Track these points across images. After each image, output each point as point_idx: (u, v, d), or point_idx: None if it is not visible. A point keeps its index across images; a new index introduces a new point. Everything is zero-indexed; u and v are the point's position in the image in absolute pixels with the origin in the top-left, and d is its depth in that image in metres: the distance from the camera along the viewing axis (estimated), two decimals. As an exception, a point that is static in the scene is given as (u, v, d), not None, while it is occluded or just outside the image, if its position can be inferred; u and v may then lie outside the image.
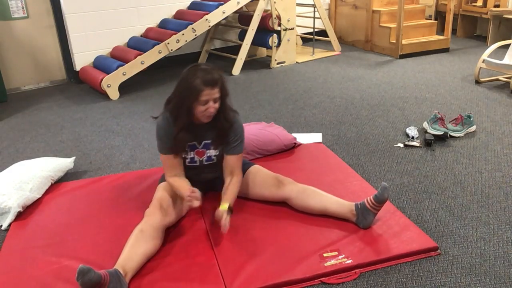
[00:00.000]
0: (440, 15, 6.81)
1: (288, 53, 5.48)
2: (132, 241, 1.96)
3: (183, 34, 4.73)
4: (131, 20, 5.16)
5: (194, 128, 2.22)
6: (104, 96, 4.53)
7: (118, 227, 2.28)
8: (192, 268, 1.96)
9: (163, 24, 5.21)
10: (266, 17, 5.22)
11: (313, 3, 5.65)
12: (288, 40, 5.41)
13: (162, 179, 2.38)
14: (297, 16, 5.60)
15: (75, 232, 2.27)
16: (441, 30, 6.26)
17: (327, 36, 5.99)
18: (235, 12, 5.28)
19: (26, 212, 2.45)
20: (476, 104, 3.91)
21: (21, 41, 4.88)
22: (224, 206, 2.12)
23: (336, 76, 4.93)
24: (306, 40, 6.43)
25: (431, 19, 6.54)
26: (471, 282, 1.87)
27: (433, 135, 3.17)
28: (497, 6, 6.01)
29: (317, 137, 3.30)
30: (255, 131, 3.01)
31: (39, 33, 4.96)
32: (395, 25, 5.53)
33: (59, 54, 5.14)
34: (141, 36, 5.18)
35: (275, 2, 5.15)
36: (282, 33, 5.32)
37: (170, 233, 2.18)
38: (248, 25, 5.17)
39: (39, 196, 2.57)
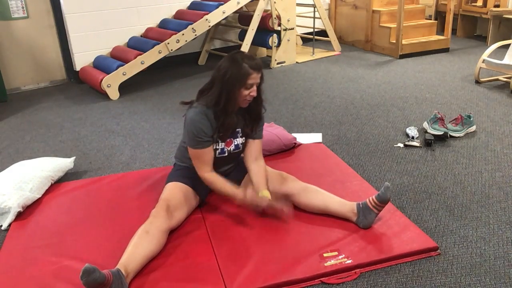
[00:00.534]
0: (440, 15, 6.81)
1: (288, 53, 5.48)
2: (136, 241, 1.95)
3: (183, 34, 4.73)
4: (131, 20, 5.16)
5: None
6: (104, 96, 4.53)
7: (118, 227, 2.28)
8: (192, 268, 1.96)
9: (163, 24, 5.21)
10: (266, 17, 5.22)
11: (313, 3, 5.65)
12: (288, 40, 5.41)
13: (170, 177, 2.37)
14: (297, 16, 5.60)
15: (75, 232, 2.27)
16: (441, 30, 6.26)
17: (327, 36, 5.99)
18: (235, 12, 5.28)
19: (26, 212, 2.45)
20: (476, 104, 3.91)
21: (21, 41, 4.88)
22: (266, 194, 2.19)
23: (336, 76, 4.93)
24: (306, 40, 6.43)
25: (431, 19, 6.54)
26: (471, 282, 1.87)
27: (433, 135, 3.17)
28: (497, 6, 6.02)
29: (317, 137, 3.30)
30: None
31: (39, 33, 4.96)
32: (395, 25, 5.53)
33: (59, 54, 5.14)
34: (141, 36, 5.18)
35: (275, 2, 5.15)
36: (282, 33, 5.32)
37: (170, 234, 2.17)
38: (248, 25, 5.17)
39: (39, 196, 2.57)
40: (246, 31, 5.21)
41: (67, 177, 2.87)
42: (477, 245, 2.09)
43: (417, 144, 3.13)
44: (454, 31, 6.31)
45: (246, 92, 2.14)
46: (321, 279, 1.89)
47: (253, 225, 2.24)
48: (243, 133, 2.33)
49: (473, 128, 3.35)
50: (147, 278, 1.91)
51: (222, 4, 4.98)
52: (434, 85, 4.50)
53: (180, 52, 5.12)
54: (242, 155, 2.42)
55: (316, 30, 5.95)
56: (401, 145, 3.16)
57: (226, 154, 2.33)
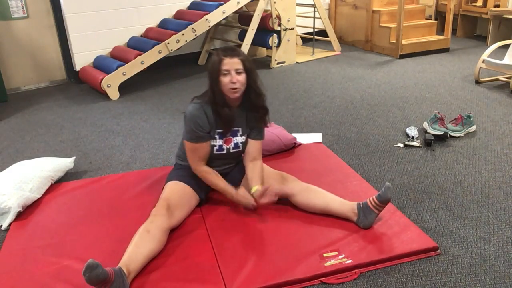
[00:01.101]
0: (440, 15, 6.81)
1: (288, 53, 5.48)
2: (137, 240, 1.96)
3: (183, 34, 4.73)
4: (131, 20, 5.15)
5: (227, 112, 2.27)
6: (104, 96, 4.53)
7: (118, 227, 2.28)
8: (192, 268, 1.96)
9: (163, 24, 5.21)
10: (266, 17, 5.22)
11: (313, 3, 5.65)
12: (288, 40, 5.41)
13: (170, 177, 2.38)
14: (297, 16, 5.60)
15: (75, 232, 2.27)
16: (441, 30, 6.26)
17: (327, 36, 5.99)
18: (235, 12, 5.28)
19: (26, 212, 2.45)
20: (476, 104, 3.91)
21: (21, 41, 4.88)
22: (254, 189, 2.24)
23: (336, 76, 4.93)
24: (306, 40, 6.43)
25: (431, 19, 6.54)
26: (471, 282, 1.87)
27: (433, 135, 3.17)
28: (497, 6, 6.02)
29: (317, 137, 3.30)
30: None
31: (39, 33, 4.96)
32: (395, 25, 5.53)
33: (59, 54, 5.14)
34: (141, 36, 5.18)
35: (275, 2, 5.15)
36: (282, 33, 5.32)
37: (171, 234, 2.17)
38: (248, 25, 5.17)
39: (39, 196, 2.57)
40: (246, 31, 5.21)
41: (67, 177, 2.87)
42: (477, 245, 2.09)
43: (417, 144, 3.13)
44: (454, 31, 6.30)
45: (225, 79, 2.15)
46: (321, 279, 1.89)
47: (253, 225, 2.24)
48: (244, 132, 2.34)
49: (473, 128, 3.35)
50: (147, 278, 1.91)
51: (222, 4, 4.98)
52: (434, 85, 4.50)
53: (180, 52, 5.12)
54: (243, 155, 2.42)
55: (316, 30, 5.95)
56: (401, 145, 3.16)
57: (225, 152, 2.33)
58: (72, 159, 2.93)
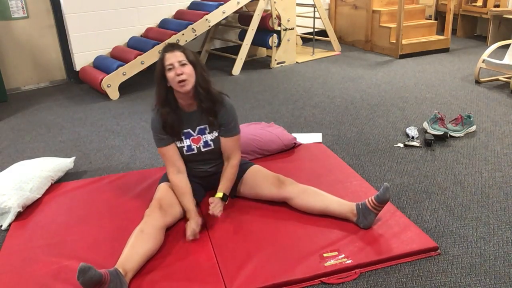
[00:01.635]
0: (440, 15, 6.81)
1: (288, 53, 5.48)
2: (133, 241, 1.96)
3: (183, 34, 4.73)
4: (131, 20, 5.16)
5: (186, 115, 2.27)
6: (104, 96, 4.53)
7: (118, 227, 2.28)
8: (192, 268, 1.96)
9: (163, 24, 5.21)
10: (266, 17, 5.22)
11: (313, 3, 5.65)
12: (288, 40, 5.41)
13: (163, 179, 2.39)
14: (297, 16, 5.60)
15: (75, 232, 2.27)
16: (441, 30, 6.26)
17: (327, 36, 5.99)
18: (235, 12, 5.28)
19: (26, 212, 2.45)
20: (476, 104, 3.91)
21: (21, 41, 4.88)
22: (218, 195, 2.23)
23: (336, 76, 4.93)
24: (306, 40, 6.43)
25: (431, 19, 6.54)
26: (471, 282, 1.87)
27: (433, 135, 3.17)
28: (497, 6, 6.01)
29: (317, 137, 3.30)
30: (255, 131, 3.01)
31: (39, 33, 4.96)
32: (395, 25, 5.53)
33: (59, 54, 5.14)
34: (141, 36, 5.18)
35: (275, 2, 5.15)
36: (282, 33, 5.32)
37: (170, 233, 2.18)
38: (248, 25, 5.17)
39: (39, 196, 2.57)
40: (246, 31, 5.21)
41: (67, 177, 2.87)
42: (477, 245, 2.09)
43: (417, 144, 3.13)
44: (454, 31, 6.30)
45: (170, 74, 2.14)
46: (321, 279, 1.89)
47: (253, 225, 2.24)
48: (212, 129, 2.31)
49: (473, 128, 3.35)
50: (147, 278, 1.91)
51: (222, 4, 4.98)
52: (434, 85, 4.50)
53: (180, 52, 5.11)
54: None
55: (316, 30, 5.95)
56: (401, 145, 3.16)
57: (196, 152, 2.32)
58: (72, 159, 2.94)
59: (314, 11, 5.72)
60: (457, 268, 1.94)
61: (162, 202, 2.18)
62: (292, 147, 3.09)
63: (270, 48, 5.36)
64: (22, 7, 4.78)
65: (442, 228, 2.22)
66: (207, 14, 4.88)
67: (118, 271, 1.80)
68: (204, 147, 2.32)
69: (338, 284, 1.88)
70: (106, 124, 3.84)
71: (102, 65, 4.74)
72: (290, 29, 5.37)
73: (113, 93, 4.50)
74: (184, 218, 2.29)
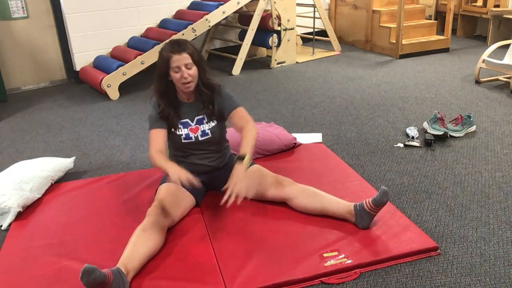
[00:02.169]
0: (440, 15, 6.81)
1: (288, 53, 5.48)
2: (134, 240, 1.96)
3: (183, 34, 4.73)
4: (131, 20, 5.16)
5: (184, 106, 2.30)
6: (104, 96, 4.53)
7: (118, 227, 2.28)
8: (192, 268, 1.96)
9: (163, 24, 5.21)
10: (266, 17, 5.22)
11: (313, 3, 5.65)
12: (288, 40, 5.41)
13: (164, 179, 2.39)
14: (297, 16, 5.60)
15: (75, 232, 2.27)
16: (441, 30, 6.26)
17: (327, 36, 5.99)
18: (235, 12, 5.28)
19: (26, 212, 2.45)
20: (476, 104, 3.91)
21: (21, 41, 4.88)
22: (241, 160, 2.14)
23: (336, 76, 4.93)
24: (306, 40, 6.43)
25: (431, 19, 6.54)
26: (471, 282, 1.87)
27: (433, 135, 3.17)
28: (497, 6, 6.01)
29: (317, 137, 3.30)
30: (255, 131, 3.00)
31: (39, 33, 4.96)
32: (395, 25, 5.53)
33: (59, 54, 5.14)
34: (141, 36, 5.18)
35: (275, 2, 5.15)
36: (282, 33, 5.32)
37: (170, 233, 2.18)
38: (248, 25, 5.17)
39: (39, 196, 2.57)
40: (246, 31, 5.21)
41: (67, 177, 2.87)
42: (477, 245, 2.09)
43: (417, 144, 3.13)
44: (454, 31, 6.30)
45: (176, 75, 2.17)
46: (321, 279, 1.89)
47: (253, 225, 2.24)
48: (210, 119, 2.34)
49: (473, 128, 3.35)
50: (147, 278, 1.91)
51: (222, 4, 4.98)
52: (434, 85, 4.50)
53: (180, 52, 5.11)
54: (227, 144, 2.49)
55: (316, 30, 5.95)
56: (401, 145, 3.16)
57: (194, 140, 2.33)
58: (72, 159, 2.94)
59: (314, 11, 5.72)
60: (457, 268, 1.94)
61: (164, 202, 2.19)
62: (292, 147, 3.09)
63: (270, 48, 5.36)
64: (22, 7, 4.78)
65: (442, 228, 2.22)
66: (207, 14, 4.88)
67: (120, 270, 1.81)
68: (202, 136, 2.34)
69: (338, 284, 1.88)
70: (106, 124, 3.84)
71: (102, 65, 4.74)
72: (290, 29, 5.37)
73: (113, 93, 4.50)
74: (185, 218, 2.29)
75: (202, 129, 2.33)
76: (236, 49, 5.28)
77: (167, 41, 2.29)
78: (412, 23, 5.86)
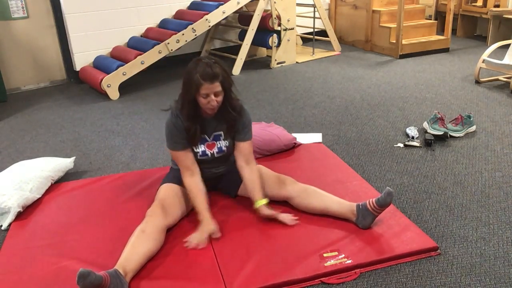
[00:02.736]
0: (440, 15, 6.81)
1: (288, 53, 5.48)
2: (133, 241, 1.96)
3: (183, 34, 4.73)
4: (131, 20, 5.15)
5: (203, 121, 2.25)
6: (104, 96, 4.53)
7: (118, 227, 2.28)
8: (192, 268, 1.96)
9: (163, 24, 5.21)
10: (266, 17, 5.22)
11: (313, 3, 5.65)
12: (288, 40, 5.41)
13: (165, 179, 2.38)
14: (297, 16, 5.60)
15: (75, 232, 2.27)
16: (441, 30, 6.26)
17: (327, 36, 5.99)
18: (235, 12, 5.28)
19: (26, 212, 2.45)
20: (476, 104, 3.91)
21: (21, 41, 4.88)
22: (261, 202, 2.21)
23: (336, 76, 4.93)
24: (306, 40, 6.43)
25: (431, 19, 6.54)
26: (471, 282, 1.87)
27: (433, 135, 3.17)
28: (497, 6, 6.01)
29: (317, 137, 3.30)
30: (255, 131, 2.99)
31: (39, 33, 4.96)
32: (395, 25, 5.53)
33: (59, 54, 5.14)
34: (141, 36, 5.18)
35: (275, 2, 5.15)
36: (282, 33, 5.32)
37: (170, 233, 2.18)
38: (248, 25, 5.17)
39: (39, 196, 2.57)
40: (246, 31, 5.21)
41: (67, 177, 2.87)
42: (477, 245, 2.09)
43: (417, 144, 3.13)
44: (454, 31, 6.30)
45: (203, 100, 2.12)
46: (321, 279, 1.89)
47: (253, 225, 2.24)
48: (227, 136, 2.32)
49: (473, 128, 3.35)
50: (147, 278, 1.91)
51: (222, 4, 4.98)
52: (434, 85, 4.50)
53: (180, 52, 5.12)
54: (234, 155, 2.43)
55: (316, 30, 5.95)
56: (401, 145, 3.16)
57: (210, 157, 2.32)
58: (72, 159, 2.93)
59: (314, 11, 5.72)
60: (457, 268, 1.94)
61: (164, 202, 2.18)
62: (292, 147, 3.09)
63: (270, 48, 5.36)
64: (22, 7, 4.78)
65: (442, 228, 2.22)
66: (207, 14, 4.88)
67: (118, 272, 1.80)
68: (217, 153, 2.33)
69: (338, 284, 1.88)
70: (106, 124, 3.84)
71: (102, 65, 4.74)
72: (290, 29, 5.37)
73: (113, 93, 4.49)
74: (185, 218, 2.30)
75: (219, 145, 2.32)
76: (236, 49, 5.28)
77: (197, 60, 2.15)
78: (412, 23, 5.86)
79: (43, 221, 2.38)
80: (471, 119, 3.32)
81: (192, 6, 5.38)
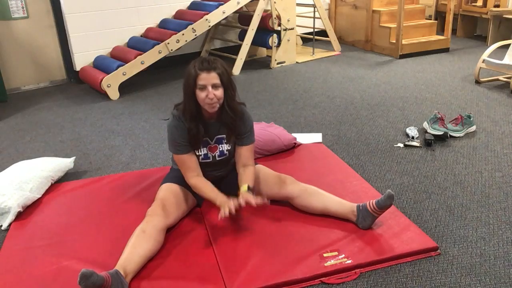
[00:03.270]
0: (440, 15, 6.81)
1: (288, 53, 5.48)
2: (134, 241, 1.96)
3: (183, 34, 4.73)
4: (131, 20, 5.15)
5: (205, 124, 2.25)
6: (104, 96, 4.53)
7: (118, 227, 2.28)
8: (192, 268, 1.97)
9: (163, 24, 5.21)
10: (266, 17, 5.22)
11: (313, 3, 5.65)
12: (288, 40, 5.41)
13: (166, 179, 2.38)
14: (297, 16, 5.60)
15: (75, 232, 2.27)
16: (441, 30, 6.26)
17: (327, 36, 5.99)
18: (235, 12, 5.28)
19: (26, 212, 2.45)
20: (476, 104, 3.91)
21: (21, 41, 4.88)
22: (244, 188, 2.17)
23: (336, 76, 4.93)
24: (306, 40, 6.43)
25: (431, 19, 6.54)
26: (471, 282, 1.87)
27: (433, 135, 3.17)
28: (497, 6, 6.01)
29: (317, 137, 3.30)
30: (255, 131, 2.99)
31: (39, 33, 4.96)
32: (395, 25, 5.53)
33: (59, 54, 5.14)
34: (141, 36, 5.18)
35: (275, 2, 5.15)
36: (282, 33, 5.32)
37: (170, 233, 2.18)
38: (248, 25, 5.17)
39: (39, 196, 2.57)
40: (246, 31, 5.21)
41: (67, 177, 2.87)
42: (477, 245, 2.09)
43: (417, 144, 3.13)
44: (454, 31, 6.30)
45: (202, 94, 2.11)
46: (321, 279, 1.89)
47: (253, 225, 2.24)
48: (229, 139, 2.31)
49: (473, 128, 3.35)
50: (147, 278, 1.91)
51: (222, 4, 4.98)
52: (434, 85, 4.50)
53: (180, 52, 5.12)
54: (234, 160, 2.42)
55: (316, 30, 5.95)
56: (401, 145, 3.16)
57: (211, 160, 2.32)
58: (72, 159, 2.93)
59: (314, 11, 5.72)
60: (457, 268, 1.94)
61: (165, 202, 2.18)
62: (292, 147, 3.09)
63: (270, 48, 5.36)
64: (22, 7, 4.78)
65: (442, 228, 2.22)
66: (207, 14, 4.87)
67: (119, 273, 1.80)
68: (219, 156, 2.33)
69: (338, 284, 1.88)
70: (106, 124, 3.84)
71: (102, 65, 4.74)
72: (290, 29, 5.37)
73: (113, 93, 4.50)
74: (185, 218, 2.30)
75: (221, 149, 2.31)
76: (236, 49, 5.28)
77: (198, 58, 2.20)
78: (412, 23, 5.86)
79: (43, 221, 2.38)
80: (471, 119, 3.32)
81: (192, 6, 5.38)
